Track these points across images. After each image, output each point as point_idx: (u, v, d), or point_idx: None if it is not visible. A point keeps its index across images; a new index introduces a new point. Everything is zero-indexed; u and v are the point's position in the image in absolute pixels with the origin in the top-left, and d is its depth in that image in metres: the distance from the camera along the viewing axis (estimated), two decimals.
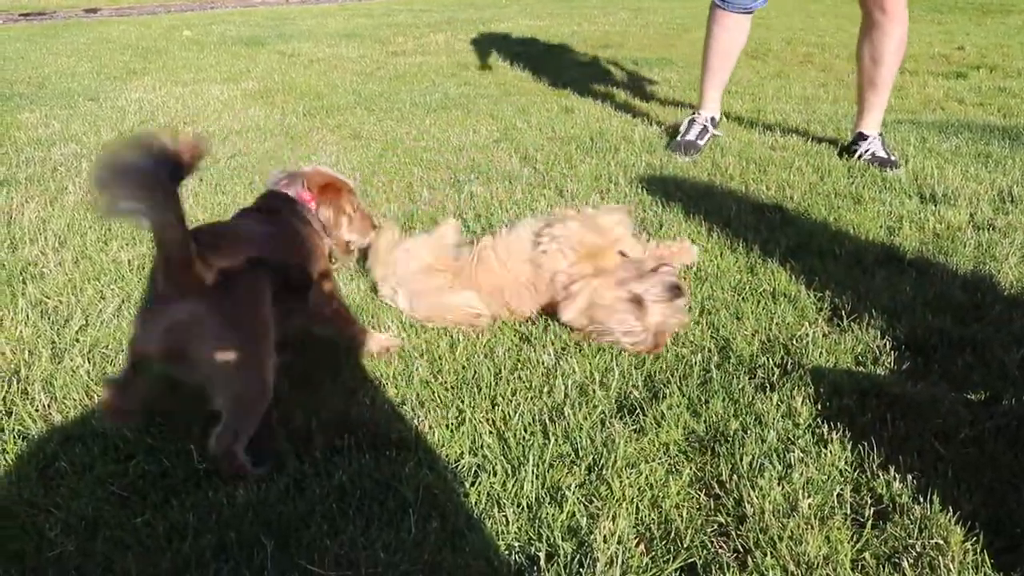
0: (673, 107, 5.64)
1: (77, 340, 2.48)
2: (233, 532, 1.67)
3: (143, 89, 6.74)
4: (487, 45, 8.50)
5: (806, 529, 1.65)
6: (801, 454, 1.87)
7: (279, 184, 2.40)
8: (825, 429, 1.96)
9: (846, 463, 1.85)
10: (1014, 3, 10.51)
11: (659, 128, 4.96)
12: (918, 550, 1.58)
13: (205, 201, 3.75)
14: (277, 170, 2.52)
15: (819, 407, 2.05)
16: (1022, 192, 3.59)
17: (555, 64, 7.37)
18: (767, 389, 2.15)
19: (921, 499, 1.71)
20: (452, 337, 2.49)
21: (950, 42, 8.30)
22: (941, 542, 1.59)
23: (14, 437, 2.01)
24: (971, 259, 2.93)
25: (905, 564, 1.55)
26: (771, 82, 6.54)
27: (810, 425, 1.99)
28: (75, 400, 2.16)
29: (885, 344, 2.35)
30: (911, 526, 1.65)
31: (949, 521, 1.65)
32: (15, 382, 2.26)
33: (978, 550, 1.58)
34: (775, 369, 2.24)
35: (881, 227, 3.26)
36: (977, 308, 2.57)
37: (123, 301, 2.72)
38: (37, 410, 2.12)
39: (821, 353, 2.32)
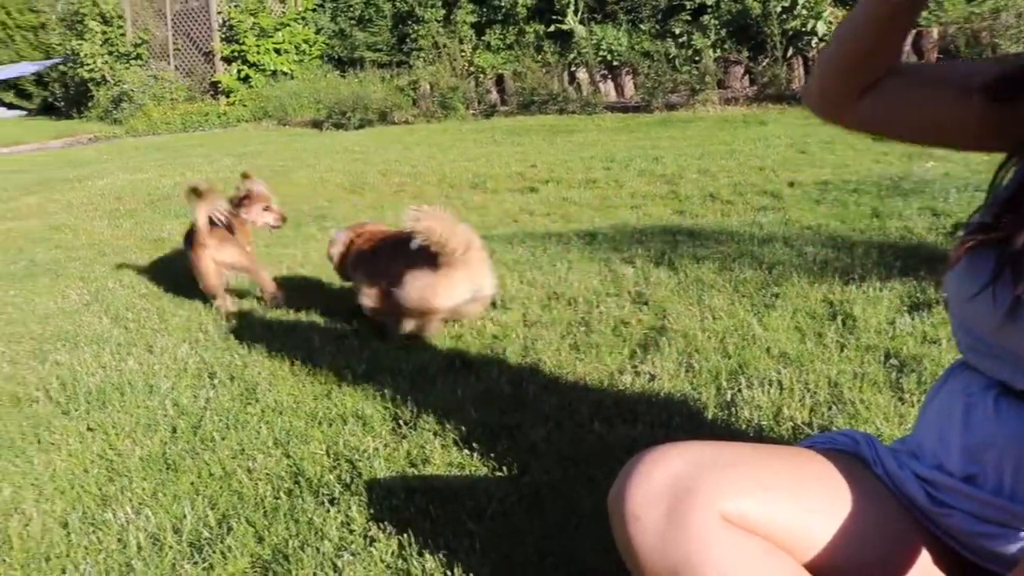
0: (275, 247, 5.88)
1: None
2: None
3: None
4: (84, 204, 8.24)
5: None
6: (351, 556, 2.10)
7: None
8: (375, 529, 2.21)
9: (391, 555, 2.10)
10: (577, 126, 12.10)
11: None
12: None
13: None
14: None
15: (372, 511, 2.30)
16: (565, 289, 4.21)
17: (153, 218, 7.32)
18: (330, 504, 2.36)
19: (449, 572, 2.00)
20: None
21: (525, 161, 9.37)
22: None
23: None
24: (519, 354, 3.40)
25: None
26: (367, 213, 7.02)
27: (363, 529, 2.23)
28: None
29: (436, 444, 2.67)
30: None
31: None
32: None
33: None
34: (337, 485, 2.47)
35: (446, 337, 3.68)
36: (517, 398, 2.99)
37: None
38: None
39: (382, 462, 2.59)
